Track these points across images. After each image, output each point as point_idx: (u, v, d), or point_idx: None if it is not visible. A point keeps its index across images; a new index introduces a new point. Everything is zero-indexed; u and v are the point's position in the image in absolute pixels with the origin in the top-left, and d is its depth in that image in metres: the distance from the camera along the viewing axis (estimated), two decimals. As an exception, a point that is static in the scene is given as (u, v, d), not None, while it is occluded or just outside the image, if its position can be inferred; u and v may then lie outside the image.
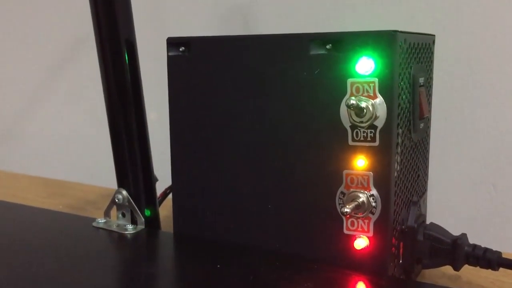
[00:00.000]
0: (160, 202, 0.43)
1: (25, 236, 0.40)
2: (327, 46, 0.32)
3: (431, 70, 0.37)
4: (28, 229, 0.42)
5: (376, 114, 0.30)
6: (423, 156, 0.37)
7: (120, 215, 0.41)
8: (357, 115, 0.30)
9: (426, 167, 0.38)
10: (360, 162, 0.31)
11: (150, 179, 0.41)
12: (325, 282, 0.31)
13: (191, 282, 0.32)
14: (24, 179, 0.69)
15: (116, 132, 0.40)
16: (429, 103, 0.37)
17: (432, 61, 0.37)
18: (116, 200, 0.40)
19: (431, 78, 0.37)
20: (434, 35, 0.37)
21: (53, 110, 0.75)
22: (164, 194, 0.44)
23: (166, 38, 0.37)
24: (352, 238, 0.32)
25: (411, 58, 0.32)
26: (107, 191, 0.56)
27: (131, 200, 0.40)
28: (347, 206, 0.31)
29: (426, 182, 0.39)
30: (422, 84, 0.34)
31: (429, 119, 0.37)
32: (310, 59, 0.32)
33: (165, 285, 0.33)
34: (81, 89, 0.70)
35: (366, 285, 0.31)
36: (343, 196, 0.32)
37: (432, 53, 0.37)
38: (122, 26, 0.39)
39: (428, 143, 0.38)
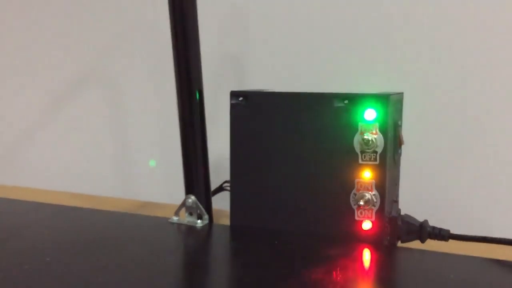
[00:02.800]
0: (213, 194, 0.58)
1: (124, 234, 0.53)
2: (345, 102, 0.49)
3: (401, 114, 0.55)
4: (121, 228, 0.55)
5: (377, 144, 0.47)
6: (398, 171, 0.55)
7: (188, 214, 0.56)
8: (365, 144, 0.48)
9: (398, 177, 0.56)
10: (367, 174, 0.48)
11: (209, 187, 0.56)
12: (347, 250, 0.47)
13: (250, 260, 0.47)
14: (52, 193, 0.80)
15: (187, 152, 0.55)
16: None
17: (401, 109, 0.55)
18: (186, 204, 0.55)
19: (401, 120, 0.55)
20: (402, 92, 0.56)
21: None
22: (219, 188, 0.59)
23: (230, 91, 0.53)
24: (361, 222, 0.49)
25: (393, 108, 0.50)
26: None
27: (198, 203, 0.55)
28: (358, 202, 0.48)
29: (398, 188, 0.56)
30: (399, 124, 0.51)
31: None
32: (334, 109, 0.49)
33: (231, 260, 0.48)
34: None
35: (370, 251, 0.48)
36: (355, 196, 0.49)
37: (402, 104, 0.55)
38: (194, 73, 0.54)
39: (399, 163, 0.56)
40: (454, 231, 0.50)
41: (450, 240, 0.51)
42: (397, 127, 0.51)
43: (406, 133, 0.52)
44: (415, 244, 0.50)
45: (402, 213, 0.53)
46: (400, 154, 0.53)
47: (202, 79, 0.55)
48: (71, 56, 0.88)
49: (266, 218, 0.52)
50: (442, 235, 0.50)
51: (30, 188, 0.82)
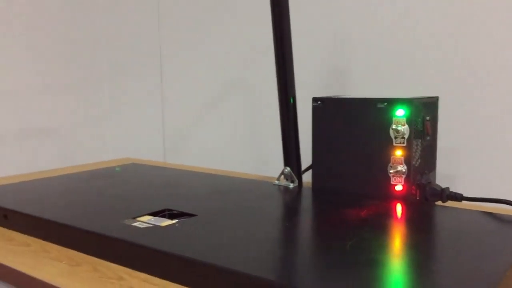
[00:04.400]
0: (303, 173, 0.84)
1: (247, 189, 0.82)
2: (384, 104, 0.71)
3: (437, 113, 0.75)
4: (244, 187, 0.84)
5: (404, 132, 0.69)
6: (431, 152, 0.75)
7: (284, 179, 0.82)
8: (397, 132, 0.69)
9: (435, 157, 0.76)
10: (398, 152, 0.70)
11: (299, 162, 0.82)
12: (385, 204, 0.70)
13: (325, 207, 0.72)
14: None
15: (285, 138, 0.82)
16: (434, 129, 0.74)
17: (437, 108, 0.75)
18: (284, 172, 0.82)
19: (437, 117, 0.75)
20: (438, 96, 0.75)
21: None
22: (306, 169, 0.85)
23: (312, 97, 0.78)
24: (394, 185, 0.71)
25: (422, 108, 0.71)
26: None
27: (291, 172, 0.81)
28: (392, 171, 0.70)
29: (434, 165, 0.76)
30: (428, 119, 0.72)
31: (433, 136, 0.75)
32: (377, 109, 0.71)
33: (313, 207, 0.73)
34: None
35: (402, 205, 0.69)
36: (390, 167, 0.71)
37: (436, 105, 0.75)
38: (289, 83, 0.81)
39: (435, 147, 0.75)
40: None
41: (463, 202, 0.70)
42: (424, 121, 0.71)
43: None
44: (439, 203, 0.71)
45: (437, 182, 0.73)
46: (430, 141, 0.73)
47: (294, 88, 0.81)
48: (223, 66, 1.21)
49: (335, 182, 0.77)
50: (457, 197, 0.70)
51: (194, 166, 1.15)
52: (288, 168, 0.82)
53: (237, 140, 1.19)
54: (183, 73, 1.29)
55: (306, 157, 0.84)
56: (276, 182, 0.83)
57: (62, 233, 0.60)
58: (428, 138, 0.73)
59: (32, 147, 1.30)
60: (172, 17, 1.31)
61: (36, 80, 1.31)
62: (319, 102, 0.78)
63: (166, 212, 0.65)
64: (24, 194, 0.77)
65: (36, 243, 0.62)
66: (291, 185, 0.81)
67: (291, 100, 0.81)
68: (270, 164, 1.14)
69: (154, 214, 0.64)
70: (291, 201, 0.75)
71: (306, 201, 0.74)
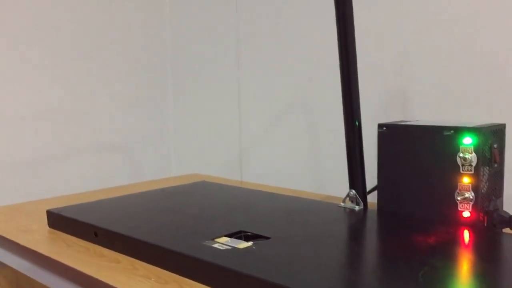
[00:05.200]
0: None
1: (316, 211, 0.85)
2: (451, 131, 0.72)
3: (504, 140, 0.75)
4: (314, 209, 0.87)
5: (472, 160, 0.70)
6: (499, 179, 0.75)
7: (350, 201, 0.85)
8: (464, 160, 0.71)
9: (502, 184, 0.76)
10: (465, 180, 0.71)
11: (364, 184, 0.85)
12: (452, 231, 0.71)
13: (390, 229, 0.74)
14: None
15: (351, 160, 0.84)
16: (502, 155, 0.75)
17: (504, 135, 0.75)
18: (350, 195, 0.84)
19: (504, 143, 0.75)
20: (505, 124, 0.76)
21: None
22: (370, 190, 0.87)
23: (377, 124, 0.80)
24: (461, 212, 0.72)
25: (490, 135, 0.72)
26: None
27: (357, 195, 0.84)
28: (459, 198, 0.71)
29: (502, 191, 0.76)
30: (495, 147, 0.73)
31: (501, 163, 0.75)
32: (444, 137, 0.73)
33: (377, 230, 0.75)
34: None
35: (469, 232, 0.70)
36: (458, 194, 0.72)
37: (504, 132, 0.75)
38: (354, 109, 0.83)
39: (503, 173, 0.76)
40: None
41: (532, 229, 0.70)
42: (492, 148, 0.72)
43: None
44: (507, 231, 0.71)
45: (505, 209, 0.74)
46: (497, 168, 0.74)
47: (360, 111, 0.84)
48: (286, 87, 1.25)
49: (400, 206, 0.78)
50: (526, 225, 0.70)
51: (256, 183, 1.20)
52: (354, 191, 0.84)
53: (299, 158, 1.23)
54: (257, 89, 1.35)
55: (368, 178, 0.87)
56: (342, 204, 0.86)
57: (150, 252, 0.65)
58: (495, 165, 0.73)
59: (102, 161, 1.38)
60: (249, 39, 1.36)
61: (106, 99, 1.40)
62: (384, 128, 0.80)
63: (241, 234, 0.69)
64: (109, 212, 0.83)
65: (126, 260, 0.68)
66: (357, 208, 0.83)
67: (357, 123, 0.83)
68: (328, 182, 1.17)
69: (230, 235, 0.69)
70: (358, 224, 0.78)
71: (374, 224, 0.76)
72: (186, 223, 0.75)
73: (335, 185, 1.15)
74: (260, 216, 0.80)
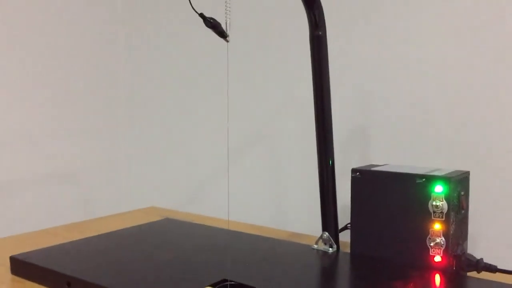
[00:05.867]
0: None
1: (284, 254, 0.86)
2: (423, 179, 0.76)
3: (468, 187, 0.80)
4: (281, 250, 0.88)
5: (443, 207, 0.74)
6: (465, 224, 0.80)
7: (323, 243, 0.86)
8: (436, 207, 0.74)
9: (467, 228, 0.81)
10: (437, 226, 0.75)
11: (337, 226, 0.86)
12: (423, 274, 0.74)
13: (363, 274, 0.76)
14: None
15: (324, 202, 0.86)
16: (467, 202, 0.79)
17: (468, 183, 0.80)
18: (323, 237, 0.86)
19: (468, 190, 0.80)
20: (469, 171, 0.81)
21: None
22: (344, 228, 0.89)
23: (351, 169, 0.83)
24: (433, 256, 0.75)
25: (457, 183, 0.76)
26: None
27: (330, 237, 0.85)
28: (432, 244, 0.74)
29: (467, 235, 0.81)
30: (462, 194, 0.77)
31: (467, 209, 0.79)
32: (415, 184, 0.76)
33: (350, 274, 0.77)
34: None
35: (440, 277, 0.73)
36: (429, 239, 0.75)
37: (468, 180, 0.80)
38: (328, 148, 0.86)
39: (467, 218, 0.80)
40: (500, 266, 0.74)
41: (497, 273, 0.75)
42: (460, 196, 0.76)
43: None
44: (473, 274, 0.75)
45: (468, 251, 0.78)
46: (464, 214, 0.78)
47: (333, 150, 0.86)
48: (250, 117, 1.26)
49: (372, 249, 0.81)
50: (491, 268, 0.74)
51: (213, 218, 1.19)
52: (327, 233, 0.86)
53: (260, 191, 1.23)
54: (219, 119, 1.34)
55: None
56: (315, 246, 0.87)
57: (134, 306, 0.63)
58: (462, 211, 0.78)
59: (49, 193, 1.32)
60: (197, 67, 1.36)
61: (53, 124, 1.35)
62: (357, 173, 0.83)
63: (227, 283, 0.69)
64: (81, 258, 0.80)
65: (105, 314, 0.65)
66: (330, 250, 0.85)
67: (330, 162, 0.85)
68: (291, 217, 1.18)
69: (214, 285, 0.68)
70: (333, 268, 0.79)
71: (348, 268, 0.78)
72: (165, 271, 0.73)
73: (298, 220, 1.17)
74: (239, 260, 0.79)
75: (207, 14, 0.67)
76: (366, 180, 0.82)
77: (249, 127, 1.25)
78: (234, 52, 1.27)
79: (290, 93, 1.17)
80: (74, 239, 0.92)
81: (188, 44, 1.39)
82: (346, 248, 0.86)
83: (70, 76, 1.37)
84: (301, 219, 1.16)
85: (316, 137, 0.86)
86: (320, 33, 0.82)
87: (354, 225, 0.83)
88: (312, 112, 0.85)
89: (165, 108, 1.46)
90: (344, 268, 0.79)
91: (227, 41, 0.65)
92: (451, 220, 0.75)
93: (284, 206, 1.21)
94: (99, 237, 0.93)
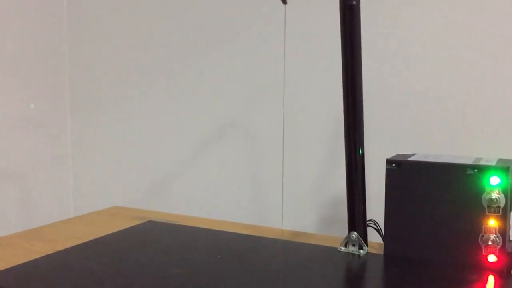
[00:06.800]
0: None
1: (307, 259, 0.74)
2: (475, 170, 0.67)
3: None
4: (302, 255, 0.76)
5: (500, 201, 0.65)
6: None
7: (351, 245, 0.75)
8: (491, 201, 0.66)
9: None
10: (492, 222, 0.66)
11: (365, 224, 0.76)
12: (476, 276, 0.65)
13: (415, 279, 0.66)
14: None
15: (352, 198, 0.75)
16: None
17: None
18: (351, 238, 0.75)
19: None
20: (513, 159, 0.73)
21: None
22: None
23: (386, 159, 0.73)
24: (486, 256, 0.67)
25: None
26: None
27: (360, 238, 0.75)
28: (485, 242, 0.66)
29: None
30: (516, 186, 0.69)
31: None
32: (466, 175, 0.68)
33: (386, 279, 0.67)
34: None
35: (496, 279, 0.65)
36: (482, 237, 0.67)
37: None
38: (358, 133, 0.75)
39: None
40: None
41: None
42: (514, 188, 0.69)
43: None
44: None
45: (514, 249, 0.71)
46: (515, 207, 0.71)
47: (363, 137, 0.75)
48: (221, 104, 1.12)
49: (412, 251, 0.71)
50: (549, 267, 0.67)
51: (181, 215, 1.04)
52: (356, 234, 0.75)
53: (232, 186, 1.11)
54: (186, 106, 1.19)
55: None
56: (342, 248, 0.76)
57: None
58: (515, 205, 0.70)
59: None
60: (164, 45, 1.20)
61: None
62: (393, 165, 0.72)
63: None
64: (72, 277, 0.62)
65: None
66: (361, 252, 0.74)
67: (360, 152, 0.75)
68: (269, 213, 1.07)
69: None
70: (375, 273, 0.69)
71: (392, 273, 0.68)
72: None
73: (273, 216, 1.06)
74: (257, 269, 0.66)
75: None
76: (404, 172, 0.72)
77: (219, 113, 1.12)
78: (207, 30, 1.12)
79: (264, 77, 1.05)
80: (45, 251, 0.74)
81: (146, 27, 1.21)
82: (370, 249, 0.76)
83: (4, 57, 1.15)
84: (277, 216, 1.06)
85: (345, 121, 0.74)
86: (353, 2, 0.70)
87: (389, 223, 0.73)
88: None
89: (116, 96, 1.27)
90: (388, 273, 0.69)
91: (285, 3, 0.52)
92: (509, 215, 0.67)
93: (258, 201, 1.09)
94: (80, 247, 0.75)
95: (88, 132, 1.33)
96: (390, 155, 0.75)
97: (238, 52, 1.11)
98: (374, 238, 0.80)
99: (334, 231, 1.00)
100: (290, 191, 1.06)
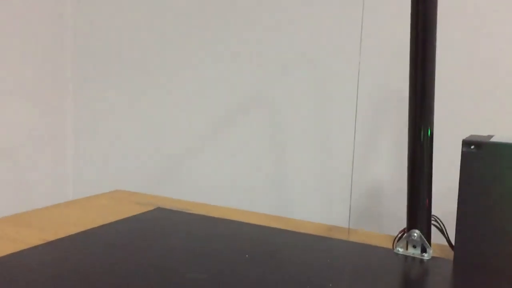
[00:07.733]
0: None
1: (361, 263, 0.59)
2: None
3: None
4: (353, 256, 0.61)
5: None
6: None
7: (411, 247, 0.60)
8: None
9: None
10: None
11: (430, 222, 0.61)
12: None
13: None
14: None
15: (413, 188, 0.60)
16: None
17: None
18: (411, 237, 0.60)
19: None
20: None
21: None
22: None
23: (462, 140, 0.57)
24: None
25: None
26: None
27: (423, 237, 0.59)
28: None
29: None
30: None
31: None
32: None
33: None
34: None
35: None
36: None
37: None
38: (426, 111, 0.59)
39: None
40: None
41: None
42: None
43: None
44: None
45: None
46: None
47: (433, 116, 0.59)
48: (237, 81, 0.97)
49: (495, 257, 0.56)
50: None
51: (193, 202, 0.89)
52: (418, 232, 0.60)
53: (252, 171, 0.97)
54: (197, 81, 1.04)
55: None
56: (400, 250, 0.61)
57: None
58: None
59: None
60: (174, 18, 1.05)
61: None
62: (472, 147, 0.57)
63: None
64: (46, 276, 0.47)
65: None
66: (426, 256, 0.59)
67: (429, 133, 0.59)
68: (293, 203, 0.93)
69: None
70: (445, 286, 0.54)
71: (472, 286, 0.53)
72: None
73: (300, 205, 0.92)
74: (298, 273, 0.51)
75: None
76: (485, 157, 0.56)
77: (237, 87, 0.97)
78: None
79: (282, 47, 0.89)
80: (32, 242, 0.60)
81: (152, 7, 1.06)
82: (441, 256, 0.61)
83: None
84: (305, 205, 0.91)
85: (410, 97, 0.59)
86: None
87: (463, 221, 0.58)
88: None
89: (123, 66, 1.12)
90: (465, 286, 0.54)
91: None
92: None
93: (282, 189, 0.95)
94: (75, 238, 0.60)
95: (91, 106, 1.18)
96: (453, 138, 0.60)
97: (260, 28, 0.96)
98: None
99: (366, 226, 0.85)
100: (318, 180, 0.91)
